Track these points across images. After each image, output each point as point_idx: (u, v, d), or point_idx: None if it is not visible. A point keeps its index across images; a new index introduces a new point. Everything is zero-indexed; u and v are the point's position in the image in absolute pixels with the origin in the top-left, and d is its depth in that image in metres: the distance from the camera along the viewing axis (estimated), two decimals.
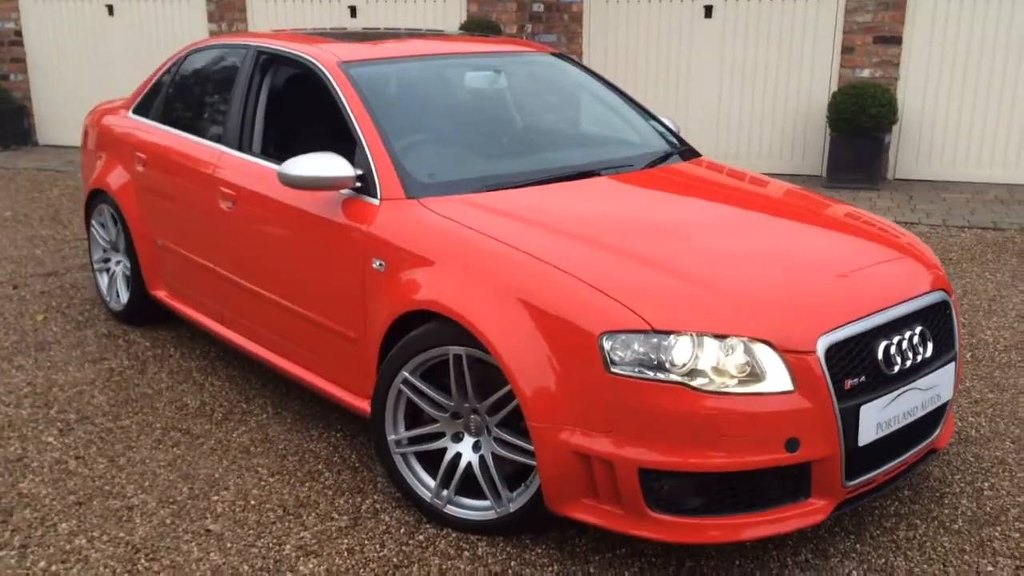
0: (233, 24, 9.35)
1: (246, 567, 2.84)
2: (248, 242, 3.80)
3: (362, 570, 2.82)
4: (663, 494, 2.63)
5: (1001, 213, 7.12)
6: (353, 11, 9.06)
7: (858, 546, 2.94)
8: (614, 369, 2.58)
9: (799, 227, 3.26)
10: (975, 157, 8.09)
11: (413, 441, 3.10)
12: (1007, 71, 7.81)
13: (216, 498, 3.22)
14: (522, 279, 2.79)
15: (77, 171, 8.95)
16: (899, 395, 2.76)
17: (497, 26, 8.44)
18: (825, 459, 2.62)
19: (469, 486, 3.02)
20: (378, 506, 3.17)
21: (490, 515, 2.96)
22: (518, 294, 2.77)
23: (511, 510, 2.91)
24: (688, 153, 4.04)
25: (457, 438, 3.04)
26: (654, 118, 4.27)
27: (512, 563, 2.86)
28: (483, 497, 2.98)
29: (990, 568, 2.84)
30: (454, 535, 2.99)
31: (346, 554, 2.90)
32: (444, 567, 2.84)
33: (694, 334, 2.58)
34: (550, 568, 2.84)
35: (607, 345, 2.59)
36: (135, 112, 4.83)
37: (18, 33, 10.24)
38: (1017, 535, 3.00)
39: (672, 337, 2.57)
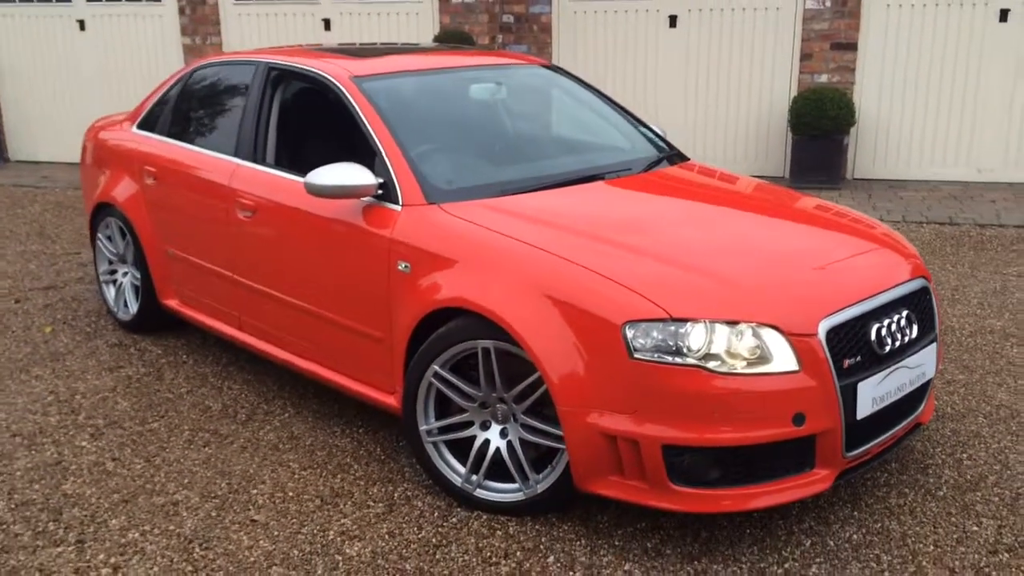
0: (207, 38, 9.46)
1: (296, 552, 3.03)
2: (268, 249, 3.98)
3: (404, 550, 3.04)
4: (684, 468, 2.88)
5: (956, 209, 7.53)
6: (327, 24, 9.23)
7: (856, 513, 3.23)
8: (636, 355, 2.83)
9: (791, 223, 3.54)
10: (928, 156, 8.51)
11: (443, 431, 3.32)
12: (956, 74, 8.25)
13: (255, 491, 3.40)
14: (546, 276, 3.03)
15: (54, 186, 8.99)
16: (890, 373, 3.06)
17: (470, 37, 8.66)
18: (828, 431, 2.90)
19: (496, 471, 3.25)
20: (409, 493, 3.38)
21: (519, 496, 3.19)
22: (543, 290, 3.01)
23: (538, 491, 3.15)
24: (677, 157, 4.32)
25: (485, 426, 3.26)
26: (644, 125, 4.54)
27: (543, 539, 3.09)
28: (511, 480, 3.21)
29: (975, 528, 3.14)
30: (485, 517, 3.22)
31: (387, 537, 3.11)
32: (480, 545, 3.06)
33: (707, 321, 2.84)
34: (578, 543, 3.07)
35: (630, 333, 2.84)
36: (140, 127, 4.97)
37: None
38: (996, 499, 3.31)
39: (688, 324, 2.83)
